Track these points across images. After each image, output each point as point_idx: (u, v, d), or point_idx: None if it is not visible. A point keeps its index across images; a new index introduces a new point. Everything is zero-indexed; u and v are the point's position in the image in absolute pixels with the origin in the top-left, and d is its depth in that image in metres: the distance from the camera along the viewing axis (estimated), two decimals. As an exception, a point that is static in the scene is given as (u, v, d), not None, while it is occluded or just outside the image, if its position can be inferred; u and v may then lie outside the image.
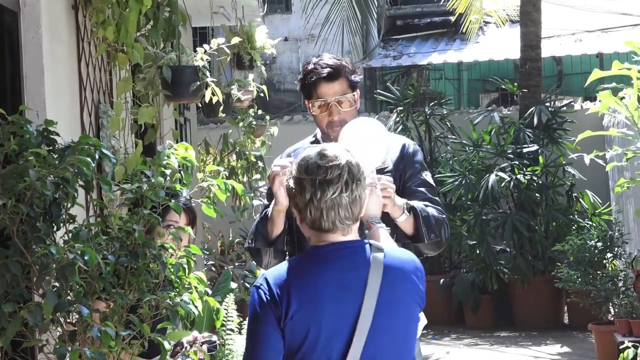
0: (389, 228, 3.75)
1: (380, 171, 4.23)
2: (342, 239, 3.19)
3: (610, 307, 9.99)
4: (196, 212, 4.46)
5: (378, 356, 3.12)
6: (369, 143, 4.16)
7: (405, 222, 4.16)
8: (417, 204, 4.25)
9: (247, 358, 3.13)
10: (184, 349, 4.24)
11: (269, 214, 4.18)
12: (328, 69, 4.32)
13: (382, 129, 4.27)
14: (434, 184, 4.45)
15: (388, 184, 4.04)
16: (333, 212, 3.15)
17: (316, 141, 4.41)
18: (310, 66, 4.38)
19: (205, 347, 4.29)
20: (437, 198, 4.40)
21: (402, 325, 3.19)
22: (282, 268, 3.19)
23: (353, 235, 3.22)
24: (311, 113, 4.43)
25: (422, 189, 4.37)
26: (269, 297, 3.12)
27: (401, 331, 3.20)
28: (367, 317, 3.11)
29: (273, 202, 4.13)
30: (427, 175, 4.42)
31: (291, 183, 3.21)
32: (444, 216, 4.34)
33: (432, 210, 4.28)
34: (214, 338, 4.34)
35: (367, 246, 3.21)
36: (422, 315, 4.56)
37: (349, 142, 3.98)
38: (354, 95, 4.37)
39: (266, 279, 3.16)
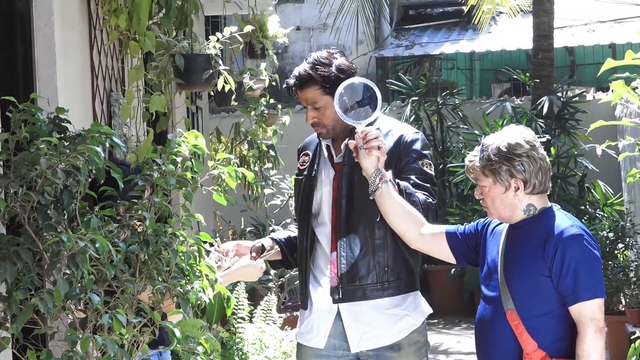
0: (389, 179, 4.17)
1: None
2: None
3: (622, 297, 9.97)
4: None
5: None
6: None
7: None
8: (403, 182, 4.31)
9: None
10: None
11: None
12: (293, 80, 4.48)
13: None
14: (431, 173, 4.43)
15: (379, 133, 4.20)
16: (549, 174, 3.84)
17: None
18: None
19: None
20: (428, 185, 4.40)
21: None
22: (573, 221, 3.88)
23: None
24: None
25: (412, 176, 4.38)
26: None
27: None
28: None
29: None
30: (424, 164, 4.42)
31: (516, 162, 3.82)
32: (432, 202, 4.35)
33: (418, 193, 4.31)
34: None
35: None
36: (425, 304, 4.58)
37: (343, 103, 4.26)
38: (331, 97, 4.37)
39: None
